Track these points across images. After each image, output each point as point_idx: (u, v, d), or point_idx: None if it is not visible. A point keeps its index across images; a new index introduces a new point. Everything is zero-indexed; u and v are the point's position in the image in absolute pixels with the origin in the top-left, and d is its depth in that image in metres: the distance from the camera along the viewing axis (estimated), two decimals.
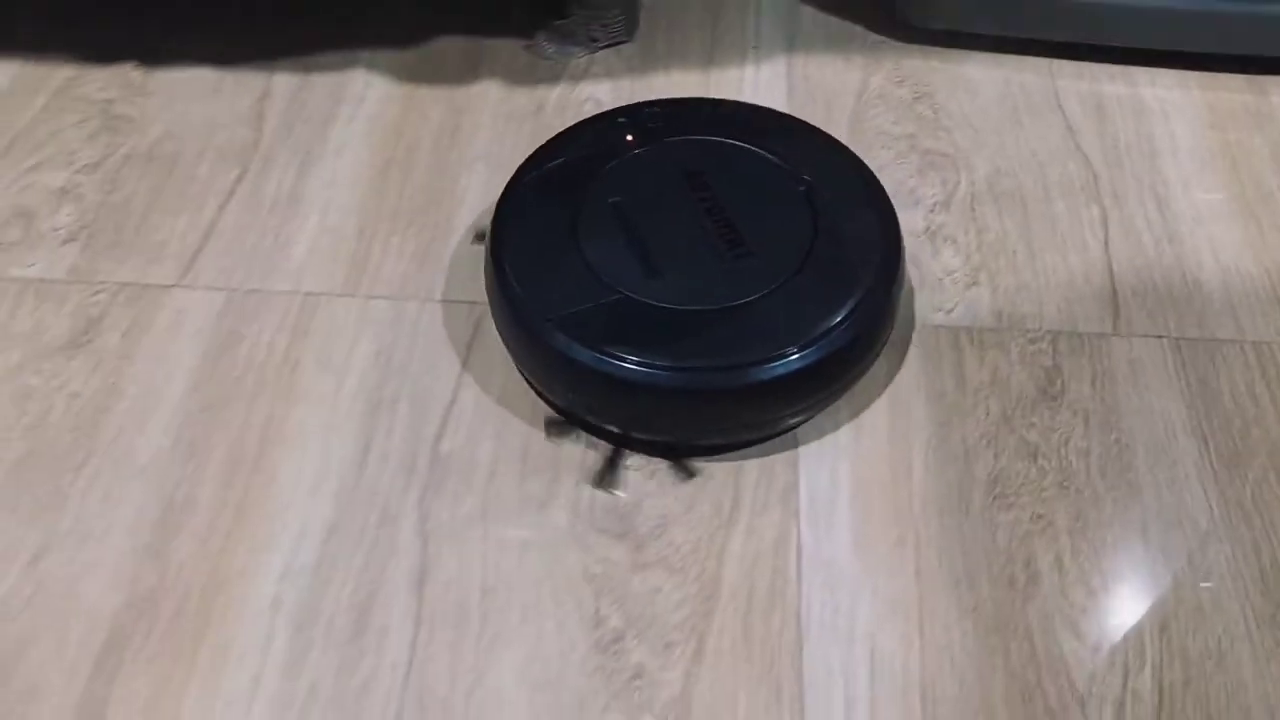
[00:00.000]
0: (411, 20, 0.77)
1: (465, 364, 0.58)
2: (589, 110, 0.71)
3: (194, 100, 0.71)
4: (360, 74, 0.73)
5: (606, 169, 0.59)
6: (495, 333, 0.59)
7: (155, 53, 0.74)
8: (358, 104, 0.71)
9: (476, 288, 0.61)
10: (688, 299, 0.53)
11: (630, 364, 0.51)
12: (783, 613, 0.50)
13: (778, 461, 0.54)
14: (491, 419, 0.56)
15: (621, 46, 0.75)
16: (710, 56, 0.75)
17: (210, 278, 0.62)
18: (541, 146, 0.61)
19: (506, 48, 0.75)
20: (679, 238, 0.56)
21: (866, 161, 0.60)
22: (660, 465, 0.54)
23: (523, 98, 0.72)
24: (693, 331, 0.52)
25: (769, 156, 0.59)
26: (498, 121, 0.70)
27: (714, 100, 0.67)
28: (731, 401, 0.52)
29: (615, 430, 0.55)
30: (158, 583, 0.50)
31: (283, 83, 0.72)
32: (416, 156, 0.68)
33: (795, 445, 0.55)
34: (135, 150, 0.68)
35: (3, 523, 0.52)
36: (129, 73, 0.73)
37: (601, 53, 0.75)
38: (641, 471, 0.54)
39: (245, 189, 0.66)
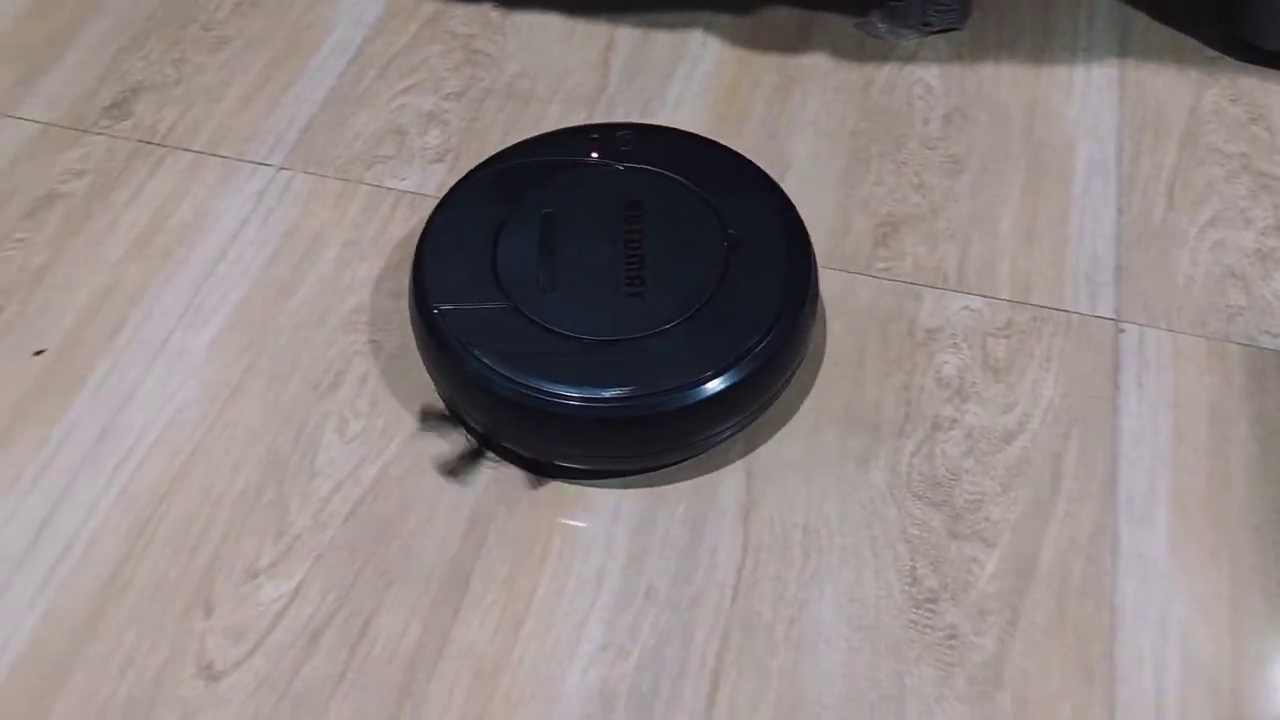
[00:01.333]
0: None
1: None
2: (918, 92, 0.73)
3: (548, 43, 0.77)
4: (698, 35, 0.77)
5: (556, 179, 0.60)
6: (821, 292, 0.62)
7: None
8: (695, 63, 0.76)
9: None
10: (564, 323, 0.54)
11: (489, 369, 0.53)
12: (1096, 599, 0.51)
13: (1097, 457, 0.56)
14: (814, 375, 0.60)
15: (952, 33, 0.77)
16: (1040, 53, 0.75)
17: None
18: (514, 145, 0.63)
19: (838, 23, 0.78)
20: (586, 263, 0.57)
21: (1194, 177, 0.60)
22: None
23: (852, 73, 0.74)
24: (552, 354, 0.53)
25: (710, 203, 0.59)
26: (826, 93, 0.73)
27: (686, 134, 0.65)
28: (548, 429, 0.54)
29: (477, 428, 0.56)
30: (515, 474, 0.56)
31: (627, 35, 0.77)
32: (749, 118, 0.72)
33: (1115, 444, 0.56)
34: (494, 84, 0.74)
35: (385, 402, 0.59)
36: (488, 13, 0.79)
37: (931, 37, 0.76)
38: (960, 448, 0.57)
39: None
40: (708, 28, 0.78)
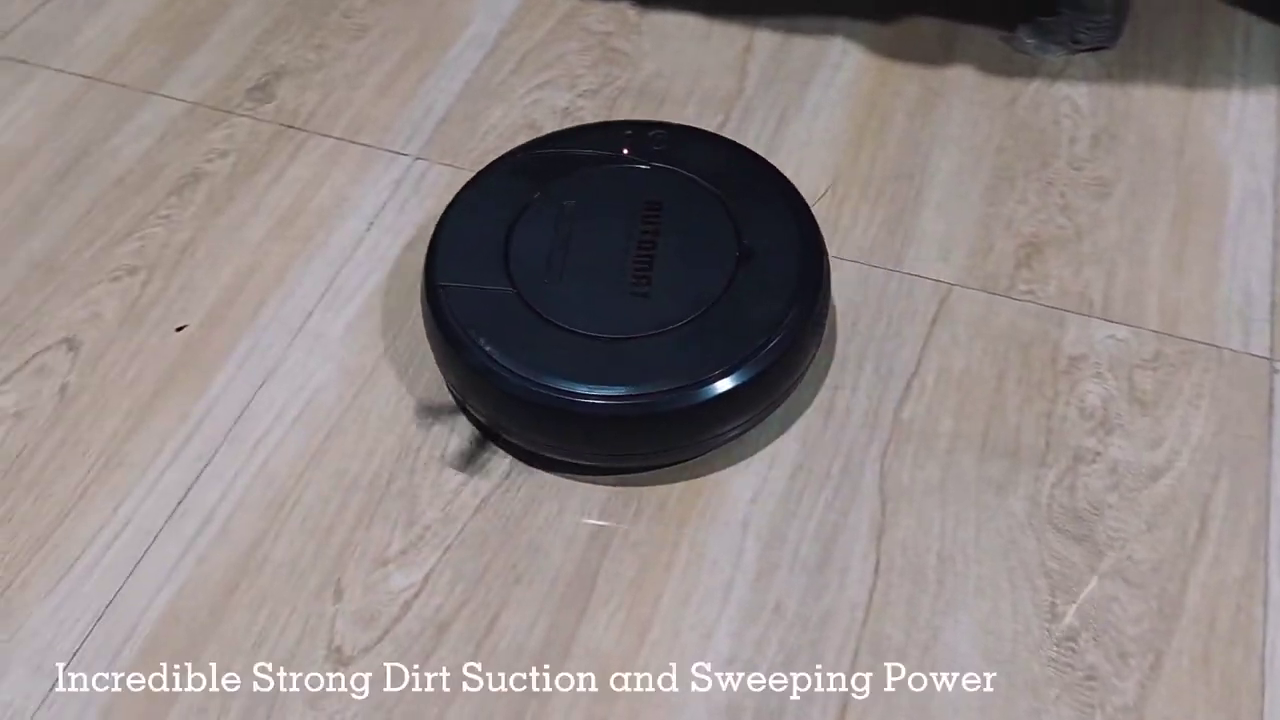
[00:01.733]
0: None
1: (928, 338, 0.61)
2: (1065, 111, 0.71)
3: (684, 44, 0.76)
4: (838, 41, 0.76)
5: (583, 171, 0.61)
6: (961, 312, 0.61)
7: None
8: (834, 70, 0.74)
9: (944, 265, 0.63)
10: (562, 315, 0.55)
11: (481, 351, 0.54)
12: (1245, 649, 0.49)
13: (1248, 500, 0.54)
14: (952, 396, 0.58)
15: (1101, 52, 0.74)
16: (1193, 76, 0.73)
17: None
18: (550, 134, 0.65)
19: (982, 35, 0.76)
20: (597, 258, 0.57)
21: None
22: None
23: (997, 88, 0.73)
24: (548, 346, 0.54)
25: (727, 209, 0.58)
26: (971, 108, 0.72)
27: (720, 139, 0.64)
28: (541, 421, 0.54)
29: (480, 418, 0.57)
30: (642, 479, 0.56)
31: (765, 39, 0.76)
32: (889, 129, 0.71)
33: (1268, 487, 0.54)
34: (630, 84, 0.74)
35: None
36: (625, 10, 0.79)
37: (1080, 55, 0.74)
38: (1104, 482, 0.55)
39: (728, 134, 0.71)
40: (848, 35, 0.77)
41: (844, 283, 0.63)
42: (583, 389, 0.53)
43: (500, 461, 0.57)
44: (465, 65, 0.76)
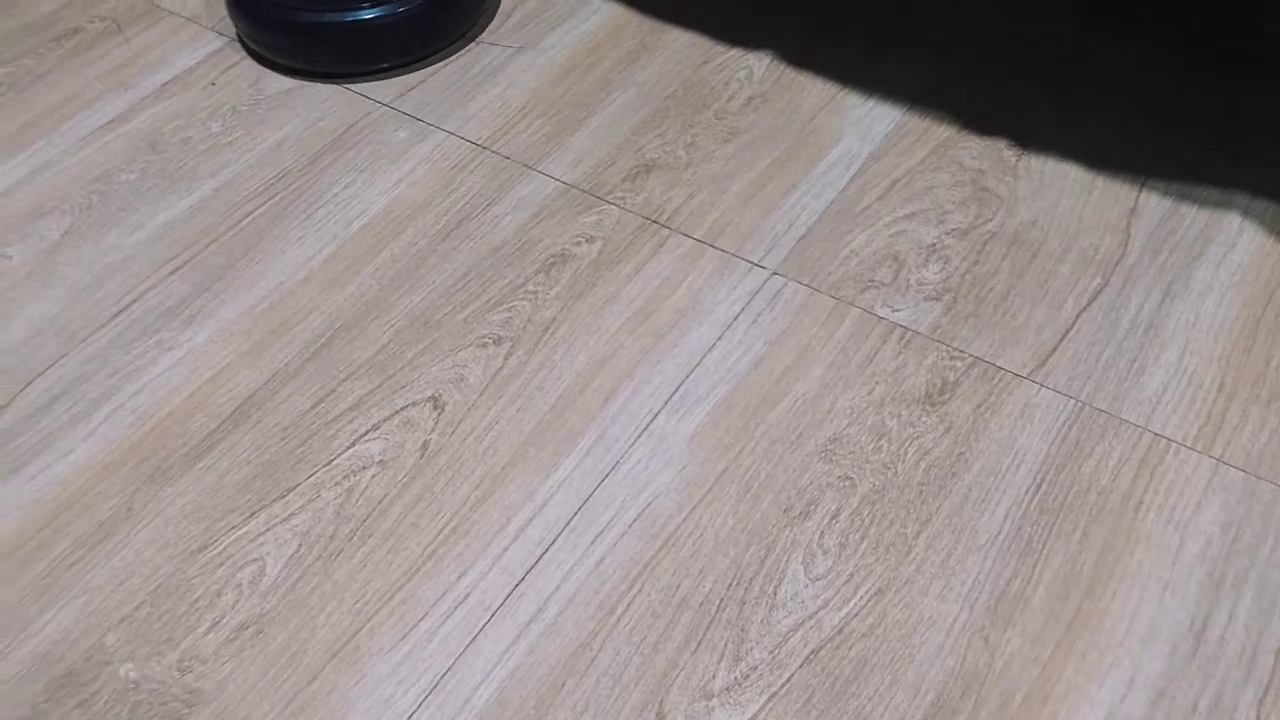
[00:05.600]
0: None
1: None
2: None
3: (1063, 195, 0.73)
4: (1235, 217, 0.71)
5: None
6: None
7: (1030, 136, 0.77)
8: (1228, 248, 0.69)
9: None
10: None
11: None
12: None
13: None
14: None
15: None
16: None
17: (1060, 381, 0.63)
18: None
19: None
20: None
21: None
22: None
23: None
24: None
25: None
26: None
27: None
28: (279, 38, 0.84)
29: None
30: (985, 668, 0.53)
31: (1153, 202, 0.72)
32: None
33: None
34: (1002, 229, 0.72)
35: (853, 547, 0.57)
36: (1002, 150, 0.77)
37: None
38: None
39: (1104, 301, 0.67)
40: (1246, 212, 0.71)
41: (1226, 490, 0.58)
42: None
43: (830, 614, 0.55)
44: (831, 184, 0.75)
